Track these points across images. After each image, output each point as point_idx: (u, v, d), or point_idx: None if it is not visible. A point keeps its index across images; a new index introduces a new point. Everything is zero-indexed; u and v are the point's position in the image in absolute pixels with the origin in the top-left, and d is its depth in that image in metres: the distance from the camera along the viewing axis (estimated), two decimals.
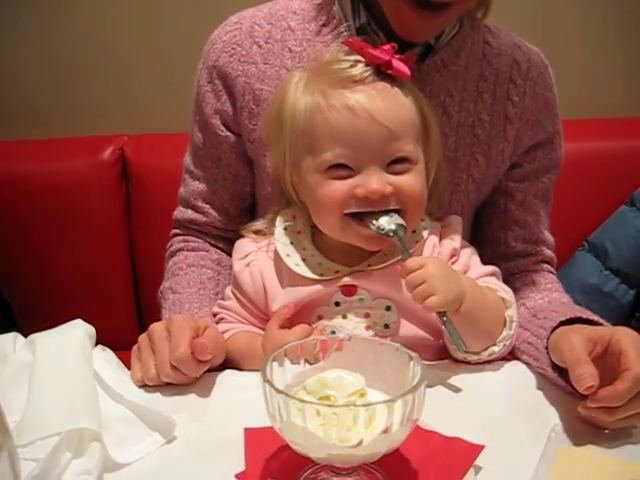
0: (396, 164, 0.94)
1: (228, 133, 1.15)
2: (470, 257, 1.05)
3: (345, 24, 1.06)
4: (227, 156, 1.16)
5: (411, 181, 0.94)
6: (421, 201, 0.97)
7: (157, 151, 1.88)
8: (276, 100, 1.01)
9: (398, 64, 0.93)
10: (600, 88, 2.05)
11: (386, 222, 0.94)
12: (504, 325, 0.98)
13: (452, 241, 1.03)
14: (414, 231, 1.01)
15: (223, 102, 1.13)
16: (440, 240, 1.03)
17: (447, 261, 1.02)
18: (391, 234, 0.93)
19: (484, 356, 0.98)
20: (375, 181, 0.91)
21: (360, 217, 0.94)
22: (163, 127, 1.93)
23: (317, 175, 0.95)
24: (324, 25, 1.09)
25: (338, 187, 0.93)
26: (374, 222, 0.94)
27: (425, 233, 1.02)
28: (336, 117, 0.92)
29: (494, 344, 0.98)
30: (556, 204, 1.22)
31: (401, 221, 0.94)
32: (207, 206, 1.20)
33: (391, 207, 0.94)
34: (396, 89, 0.94)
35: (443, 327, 0.90)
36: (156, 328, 0.95)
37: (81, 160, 1.89)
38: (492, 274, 1.05)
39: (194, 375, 0.92)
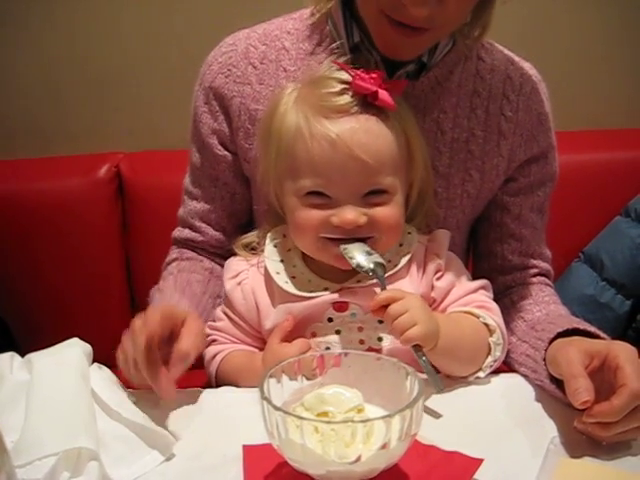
0: (373, 195, 0.95)
1: (225, 152, 1.16)
2: (456, 273, 1.05)
3: (339, 42, 1.06)
4: (225, 175, 1.17)
5: (386, 212, 0.95)
6: (395, 230, 0.99)
7: (153, 168, 1.88)
8: (268, 110, 1.02)
9: (384, 95, 0.93)
10: (594, 100, 2.06)
11: (365, 260, 0.95)
12: (488, 353, 0.99)
13: (437, 257, 1.03)
14: (401, 244, 1.02)
15: (220, 122, 1.14)
16: (425, 256, 1.03)
17: (432, 276, 1.02)
18: (370, 273, 0.95)
19: (470, 379, 0.99)
20: (350, 212, 0.93)
21: (337, 243, 0.96)
22: (158, 144, 1.94)
23: (295, 199, 0.97)
24: (318, 44, 1.10)
25: (314, 215, 0.95)
26: (353, 259, 0.95)
27: (412, 248, 1.02)
28: (317, 148, 0.93)
29: (480, 369, 0.99)
30: (551, 216, 1.22)
31: (380, 259, 0.96)
32: (204, 225, 1.20)
33: (363, 235, 0.95)
34: (380, 121, 0.95)
35: (420, 363, 0.89)
36: (134, 322, 0.92)
37: (77, 178, 1.89)
38: (481, 287, 1.06)
39: (153, 381, 0.88)
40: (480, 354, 0.99)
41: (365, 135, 0.93)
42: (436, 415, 0.91)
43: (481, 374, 0.99)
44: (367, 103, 0.94)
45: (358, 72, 0.94)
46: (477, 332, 0.99)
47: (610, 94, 2.07)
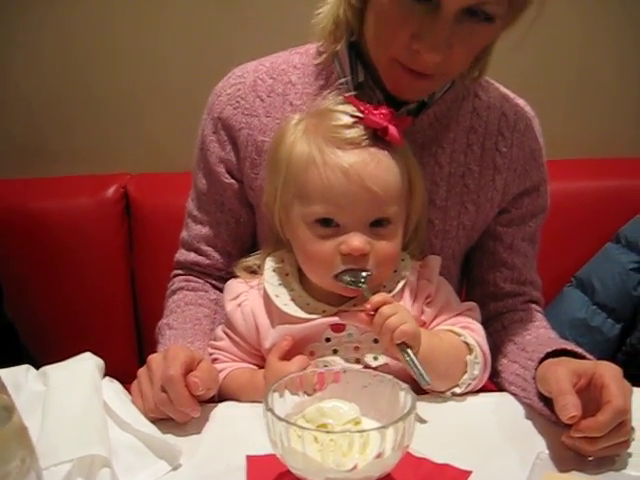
0: (378, 226, 0.98)
1: (232, 180, 1.18)
2: (445, 297, 1.08)
3: (344, 80, 1.09)
4: (230, 201, 1.20)
5: (387, 247, 0.99)
6: (392, 262, 1.03)
7: (159, 190, 1.92)
8: (275, 140, 1.05)
9: (394, 131, 0.97)
10: (586, 129, 2.11)
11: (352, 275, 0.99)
12: (465, 370, 1.02)
13: (428, 282, 1.07)
14: (395, 271, 1.06)
15: (227, 152, 1.17)
16: (417, 281, 1.07)
17: (423, 301, 1.06)
18: (359, 285, 0.98)
19: (447, 394, 1.02)
20: (358, 239, 0.96)
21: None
22: (166, 166, 1.97)
23: (304, 226, 1.00)
24: (324, 81, 1.13)
25: (326, 248, 0.98)
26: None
27: (405, 274, 1.05)
28: (330, 176, 0.96)
29: (456, 385, 1.02)
30: (545, 241, 1.25)
31: (367, 272, 0.99)
32: (210, 249, 1.23)
33: (366, 267, 0.98)
34: (388, 155, 0.98)
35: (408, 359, 0.93)
36: (154, 358, 0.97)
37: (85, 198, 1.93)
38: (468, 309, 1.09)
39: (182, 405, 0.92)
40: (457, 369, 1.02)
41: (376, 167, 0.97)
42: (425, 423, 0.95)
43: (457, 390, 1.01)
44: (376, 137, 0.98)
45: (368, 107, 0.98)
46: (455, 348, 1.02)
47: (602, 124, 2.11)
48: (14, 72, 2.01)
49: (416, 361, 0.92)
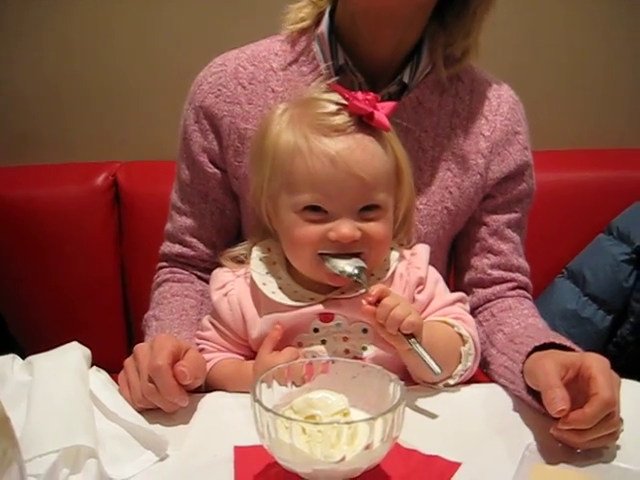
0: (367, 210, 0.97)
1: (215, 170, 1.19)
2: (435, 285, 1.07)
3: (324, 64, 1.10)
4: (214, 192, 1.20)
5: (378, 228, 0.98)
6: (384, 245, 1.02)
7: (149, 178, 1.92)
8: (260, 130, 1.04)
9: (380, 116, 0.96)
10: (578, 120, 2.11)
11: (348, 266, 0.98)
12: (459, 361, 1.02)
13: (418, 270, 1.06)
14: (385, 259, 1.05)
15: (210, 141, 1.17)
16: (407, 269, 1.06)
17: (414, 290, 1.05)
18: (354, 277, 0.97)
19: (440, 385, 1.02)
20: (346, 226, 0.95)
21: (327, 259, 0.98)
22: (155, 154, 1.97)
23: (292, 214, 0.98)
24: (305, 66, 1.14)
25: (312, 230, 0.97)
26: (337, 266, 0.98)
27: (395, 262, 1.05)
28: (316, 164, 0.95)
29: (450, 377, 1.02)
30: (537, 232, 1.25)
31: (362, 264, 0.98)
32: (195, 240, 1.23)
33: (357, 250, 0.97)
34: (375, 140, 0.97)
35: (416, 350, 0.92)
36: (141, 347, 0.97)
37: (75, 186, 1.93)
38: (458, 300, 1.09)
39: (170, 395, 0.92)
40: (451, 360, 1.02)
41: (362, 153, 0.96)
42: (426, 414, 0.95)
43: (450, 381, 1.01)
44: (362, 123, 0.97)
45: (352, 93, 0.97)
46: (450, 339, 1.02)
47: (594, 115, 2.12)
48: (5, 60, 2.01)
49: (423, 352, 0.92)
